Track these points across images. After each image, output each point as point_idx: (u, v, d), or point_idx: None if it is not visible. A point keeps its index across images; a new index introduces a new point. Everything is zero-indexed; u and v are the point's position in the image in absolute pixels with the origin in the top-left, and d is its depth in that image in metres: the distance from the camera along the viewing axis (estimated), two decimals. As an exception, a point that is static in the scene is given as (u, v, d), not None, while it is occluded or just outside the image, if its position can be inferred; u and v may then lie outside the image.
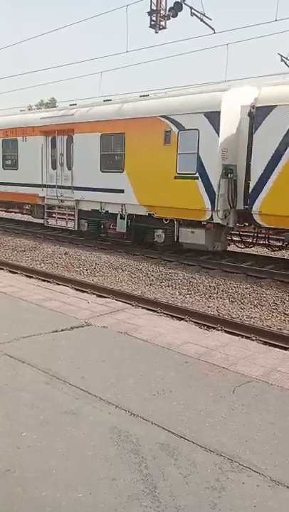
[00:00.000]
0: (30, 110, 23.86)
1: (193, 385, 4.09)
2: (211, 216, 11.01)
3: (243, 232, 12.62)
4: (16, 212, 21.98)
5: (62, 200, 14.77)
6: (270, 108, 9.84)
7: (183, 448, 3.08)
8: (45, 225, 15.78)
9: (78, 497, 2.57)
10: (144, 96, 13.16)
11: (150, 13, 14.13)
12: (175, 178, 11.47)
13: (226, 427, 3.37)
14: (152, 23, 14.17)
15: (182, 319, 7.12)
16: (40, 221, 16.51)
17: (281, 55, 17.24)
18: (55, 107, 24.15)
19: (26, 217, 20.79)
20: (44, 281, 9.26)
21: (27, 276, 9.81)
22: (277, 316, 7.88)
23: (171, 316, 7.33)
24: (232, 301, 8.74)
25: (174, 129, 11.38)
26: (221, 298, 8.97)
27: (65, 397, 3.76)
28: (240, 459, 2.97)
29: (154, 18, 14.15)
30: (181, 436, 3.22)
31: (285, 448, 3.12)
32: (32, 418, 3.41)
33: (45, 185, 15.22)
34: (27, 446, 3.06)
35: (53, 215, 15.67)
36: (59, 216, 15.46)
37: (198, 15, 14.31)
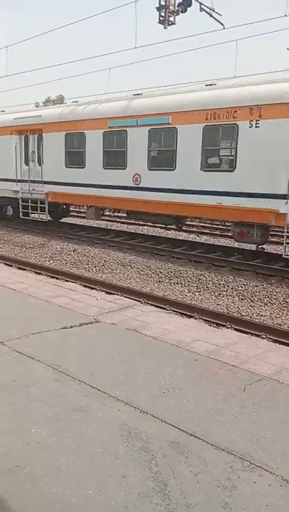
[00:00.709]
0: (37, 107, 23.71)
1: (203, 383, 4.06)
2: None
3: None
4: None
5: None
6: None
7: (193, 446, 3.06)
8: (283, 255, 10.07)
9: (88, 494, 2.56)
10: None
11: (159, 9, 14.03)
12: None
13: (237, 426, 3.34)
14: (161, 18, 14.06)
15: (191, 317, 7.10)
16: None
17: (291, 50, 16.99)
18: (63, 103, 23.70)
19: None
20: (53, 277, 9.28)
21: (36, 272, 9.84)
22: (287, 314, 7.82)
23: (180, 313, 7.31)
24: (242, 299, 8.69)
25: None
26: (230, 295, 8.92)
27: (74, 394, 3.75)
28: (251, 458, 2.94)
29: (162, 14, 14.04)
30: (191, 434, 3.19)
31: (297, 447, 3.09)
32: (41, 414, 3.41)
33: None
34: (36, 443, 3.05)
35: None
36: None
37: (208, 10, 14.18)
